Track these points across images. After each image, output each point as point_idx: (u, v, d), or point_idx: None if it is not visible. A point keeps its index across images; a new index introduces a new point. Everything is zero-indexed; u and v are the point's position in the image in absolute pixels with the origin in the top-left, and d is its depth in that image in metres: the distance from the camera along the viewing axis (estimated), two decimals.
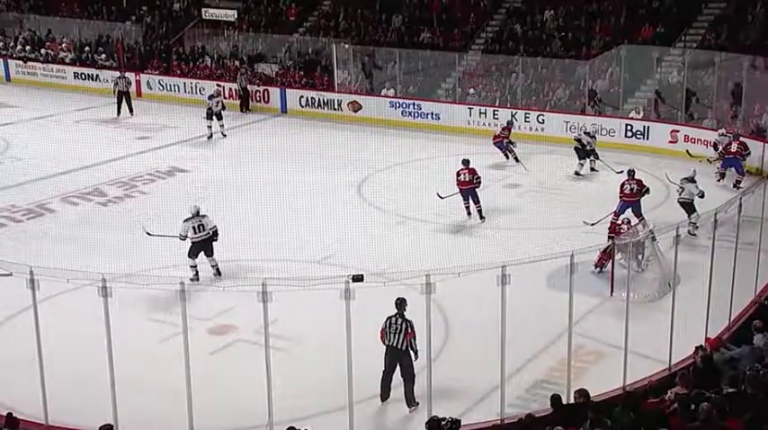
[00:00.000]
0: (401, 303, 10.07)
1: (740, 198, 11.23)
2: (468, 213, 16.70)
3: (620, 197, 15.58)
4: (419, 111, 24.92)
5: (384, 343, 10.19)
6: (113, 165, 20.79)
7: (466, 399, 10.36)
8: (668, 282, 12.39)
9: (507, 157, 20.68)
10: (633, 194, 15.49)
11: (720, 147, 19.30)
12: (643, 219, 15.33)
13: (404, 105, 25.11)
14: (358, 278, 8.76)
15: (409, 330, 10.03)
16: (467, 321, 12.15)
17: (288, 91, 26.83)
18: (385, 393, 10.33)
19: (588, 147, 19.78)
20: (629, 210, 15.32)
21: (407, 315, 10.06)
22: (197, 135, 23.32)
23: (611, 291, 13.21)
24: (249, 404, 9.72)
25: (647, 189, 15.69)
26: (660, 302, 12.61)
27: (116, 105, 25.67)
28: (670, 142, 21.52)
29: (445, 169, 18.27)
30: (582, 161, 19.76)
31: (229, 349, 11.75)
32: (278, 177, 19.26)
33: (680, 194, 15.82)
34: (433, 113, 24.76)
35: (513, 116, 22.43)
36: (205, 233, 13.87)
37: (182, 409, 9.01)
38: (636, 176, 15.79)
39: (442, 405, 9.54)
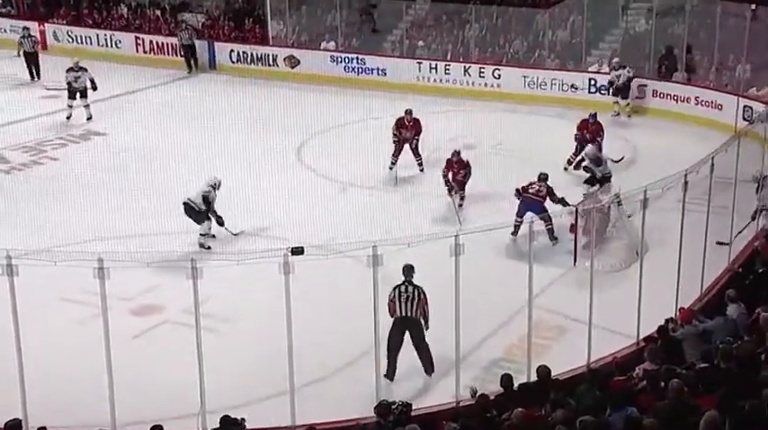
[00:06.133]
0: (409, 269, 10.25)
1: (712, 158, 11.42)
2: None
3: (522, 195, 14.40)
4: (363, 67, 24.83)
5: (392, 315, 10.27)
6: (17, 127, 20.31)
7: (418, 381, 10.49)
8: (635, 250, 12.58)
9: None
10: (538, 195, 14.33)
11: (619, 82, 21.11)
12: (608, 182, 15.51)
13: (346, 60, 24.99)
14: (298, 250, 8.76)
15: (422, 296, 10.18)
16: None
17: (216, 44, 26.48)
18: (392, 371, 10.39)
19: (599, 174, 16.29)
20: (529, 212, 13.96)
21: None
22: (114, 94, 22.92)
23: (575, 260, 13.41)
24: (178, 391, 9.71)
25: (563, 200, 14.45)
26: (627, 272, 12.79)
27: (26, 68, 24.76)
28: (637, 98, 21.77)
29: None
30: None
31: (155, 332, 11.70)
32: (206, 141, 19.04)
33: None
34: (378, 69, 24.67)
35: None
36: (78, 85, 19.94)
37: (103, 399, 8.97)
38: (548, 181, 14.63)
39: (391, 388, 9.63)
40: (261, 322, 11.14)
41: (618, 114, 21.22)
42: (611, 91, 21.59)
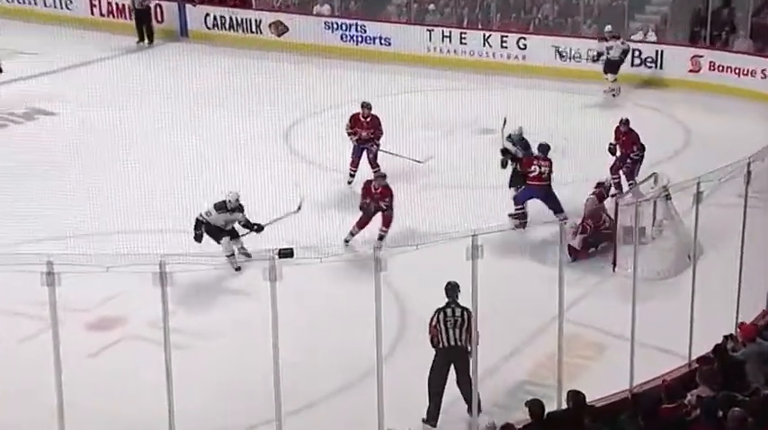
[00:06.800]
0: (454, 288, 10.12)
1: None
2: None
3: (526, 183, 14.83)
4: (363, 35, 24.88)
5: (436, 345, 10.18)
6: None
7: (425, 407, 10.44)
8: (687, 254, 12.59)
9: None
10: (541, 178, 14.64)
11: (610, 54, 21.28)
12: (655, 173, 15.51)
13: (343, 27, 25.05)
14: (286, 253, 8.79)
15: (471, 320, 10.04)
16: (427, 307, 12.18)
17: (188, 7, 26.57)
18: (436, 416, 10.26)
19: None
20: (535, 198, 14.54)
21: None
22: (65, 65, 22.98)
23: (614, 265, 13.42)
24: (142, 420, 9.73)
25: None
26: (677, 280, 12.84)
27: None
28: (691, 71, 21.76)
29: (398, 109, 18.27)
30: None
31: (115, 349, 11.73)
32: (177, 123, 19.12)
33: None
34: (381, 38, 24.74)
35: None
36: None
37: (52, 428, 8.95)
38: (550, 156, 14.90)
39: (396, 415, 9.62)
40: (242, 337, 11.16)
41: (612, 91, 21.30)
42: (602, 65, 21.53)
